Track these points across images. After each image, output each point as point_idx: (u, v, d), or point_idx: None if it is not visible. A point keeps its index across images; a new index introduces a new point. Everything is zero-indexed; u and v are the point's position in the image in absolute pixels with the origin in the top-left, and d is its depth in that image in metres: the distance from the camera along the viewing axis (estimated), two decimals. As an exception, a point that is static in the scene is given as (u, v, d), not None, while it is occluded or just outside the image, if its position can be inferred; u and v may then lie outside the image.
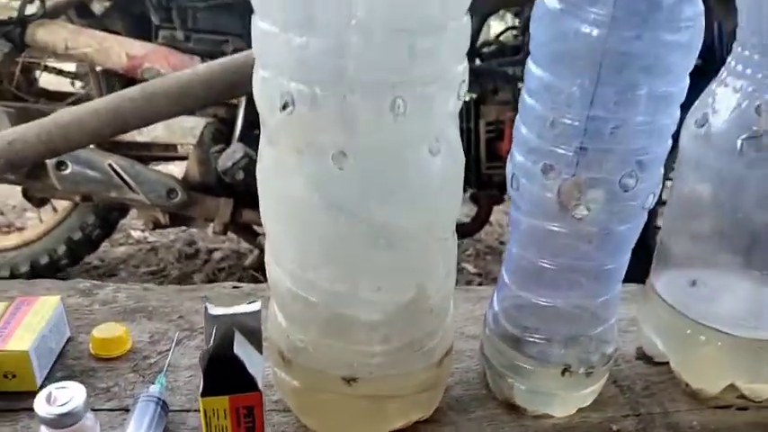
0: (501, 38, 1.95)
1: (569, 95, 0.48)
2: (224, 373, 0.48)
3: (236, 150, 1.39)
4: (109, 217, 1.78)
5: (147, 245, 2.08)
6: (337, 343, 0.51)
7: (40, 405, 0.48)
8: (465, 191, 1.54)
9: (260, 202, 0.50)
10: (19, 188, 1.66)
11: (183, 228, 2.07)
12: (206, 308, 0.51)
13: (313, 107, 0.43)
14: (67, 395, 0.49)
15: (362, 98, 0.42)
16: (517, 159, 0.54)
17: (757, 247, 0.60)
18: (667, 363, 0.66)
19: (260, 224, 0.52)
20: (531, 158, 0.52)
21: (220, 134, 1.50)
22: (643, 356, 0.69)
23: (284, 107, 0.43)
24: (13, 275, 1.70)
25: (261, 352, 0.53)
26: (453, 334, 0.58)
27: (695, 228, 0.61)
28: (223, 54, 1.45)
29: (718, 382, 0.63)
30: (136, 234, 2.13)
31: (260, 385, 0.49)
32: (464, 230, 1.63)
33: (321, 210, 0.46)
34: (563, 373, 0.57)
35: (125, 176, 1.47)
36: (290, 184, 0.46)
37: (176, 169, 1.71)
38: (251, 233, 1.62)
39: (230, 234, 1.82)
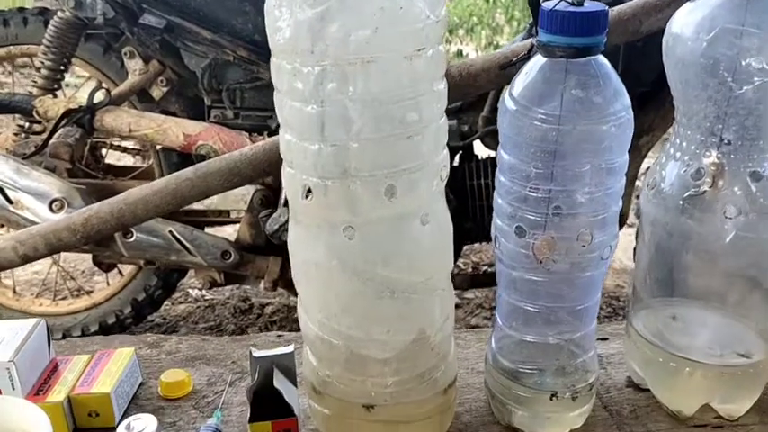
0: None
1: (532, 174, 0.61)
2: (267, 403, 0.61)
3: (281, 214, 1.53)
4: (170, 278, 1.93)
5: (205, 302, 2.24)
6: (357, 377, 0.64)
7: (122, 433, 0.62)
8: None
9: (291, 268, 0.63)
10: (88, 255, 1.83)
11: (238, 285, 2.23)
12: (250, 351, 0.65)
13: (326, 195, 0.56)
14: (142, 424, 0.62)
15: (363, 187, 0.55)
16: (497, 224, 0.66)
17: (713, 286, 0.70)
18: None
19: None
20: (507, 223, 0.64)
21: (268, 200, 1.64)
22: (631, 384, 0.79)
23: (306, 196, 0.57)
24: (84, 335, 1.86)
25: (296, 386, 0.65)
26: (456, 367, 0.70)
27: (660, 272, 0.72)
28: (268, 128, 1.61)
29: (692, 404, 0.73)
30: (194, 293, 2.29)
31: (296, 412, 0.61)
32: (490, 280, 1.74)
33: (338, 272, 0.59)
34: (551, 398, 0.68)
35: (184, 241, 1.62)
36: (313, 252, 0.60)
37: (229, 231, 1.87)
38: (298, 288, 1.75)
39: (280, 289, 1.96)
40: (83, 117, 1.66)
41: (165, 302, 2.04)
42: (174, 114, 1.70)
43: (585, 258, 0.63)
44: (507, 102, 0.60)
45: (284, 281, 1.69)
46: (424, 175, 0.57)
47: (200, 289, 2.27)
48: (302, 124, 0.55)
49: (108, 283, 2.02)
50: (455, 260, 2.10)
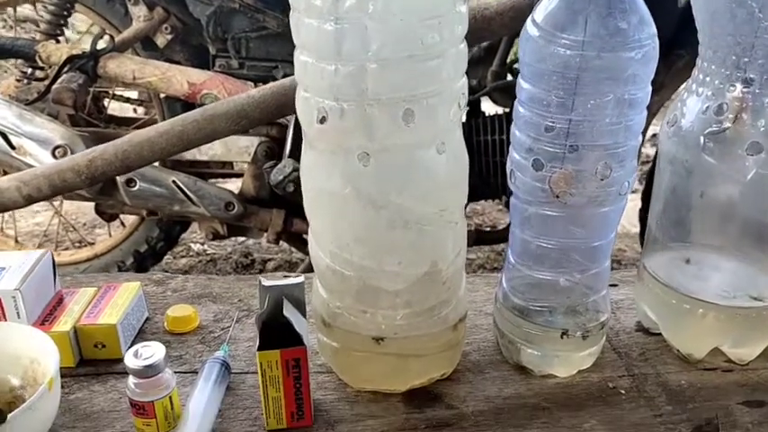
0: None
1: (553, 104, 0.59)
2: (275, 333, 0.60)
3: (286, 165, 1.52)
4: (172, 231, 1.92)
5: (206, 257, 2.23)
6: (368, 308, 0.63)
7: (129, 359, 0.61)
8: (500, 198, 1.64)
9: (303, 196, 0.62)
10: (89, 207, 1.83)
11: (240, 240, 2.23)
12: (260, 281, 0.64)
13: (342, 119, 0.55)
14: (150, 351, 0.61)
15: (380, 110, 0.54)
16: (514, 157, 0.65)
17: (730, 229, 0.69)
18: (662, 333, 0.76)
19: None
20: (524, 156, 0.63)
21: (272, 151, 1.63)
22: (641, 329, 0.79)
23: (321, 120, 0.56)
24: (86, 286, 1.86)
25: (305, 316, 0.65)
26: (467, 304, 0.69)
27: (676, 214, 0.71)
28: (274, 79, 1.59)
29: (703, 346, 0.72)
30: (196, 247, 2.29)
31: (305, 341, 0.61)
32: (499, 236, 1.73)
33: (352, 200, 0.58)
34: (562, 336, 0.68)
35: (187, 191, 1.61)
36: (327, 180, 0.58)
37: (233, 186, 1.86)
38: (301, 242, 1.75)
39: (283, 246, 1.95)
40: (86, 63, 1.63)
41: (167, 256, 2.04)
42: (178, 63, 1.68)
43: (603, 193, 0.62)
44: (530, 28, 0.59)
45: (287, 234, 1.68)
46: (442, 101, 0.56)
47: (203, 243, 2.27)
48: (319, 43, 0.53)
49: (110, 235, 2.01)
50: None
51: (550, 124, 0.60)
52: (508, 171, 0.66)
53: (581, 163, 0.61)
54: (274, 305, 0.63)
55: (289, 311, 0.62)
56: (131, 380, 0.62)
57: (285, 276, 0.88)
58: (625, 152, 0.61)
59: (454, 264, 0.64)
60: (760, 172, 0.62)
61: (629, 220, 2.63)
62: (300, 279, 0.65)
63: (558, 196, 0.62)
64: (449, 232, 0.63)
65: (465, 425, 0.65)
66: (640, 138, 0.62)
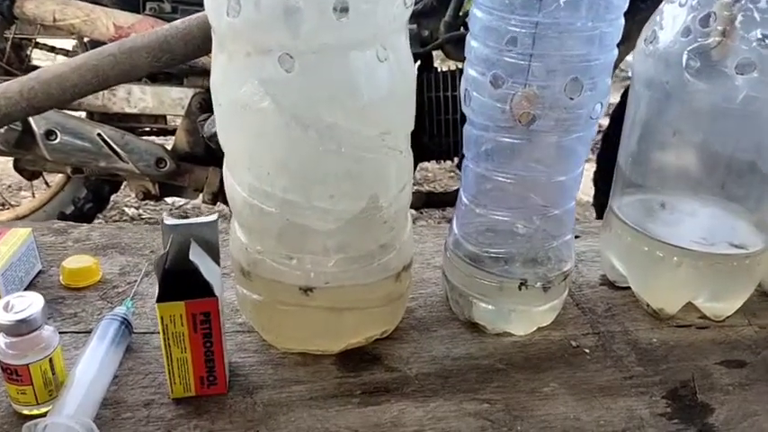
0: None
1: (517, 3, 0.49)
2: (180, 281, 0.49)
3: (221, 116, 1.40)
4: (101, 191, 1.79)
5: (141, 221, 2.09)
6: (293, 253, 0.53)
7: (-1, 312, 0.49)
8: (452, 160, 1.55)
9: (215, 115, 0.51)
10: (13, 170, 1.67)
11: (178, 204, 2.09)
12: (162, 219, 0.53)
13: (258, 9, 0.44)
14: (25, 303, 0.50)
15: (305, -2, 0.43)
16: (469, 74, 0.55)
17: (712, 167, 0.61)
18: (629, 287, 0.67)
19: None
20: (481, 70, 0.53)
21: (207, 104, 1.50)
22: (606, 282, 0.70)
23: (232, 12, 0.44)
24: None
25: (218, 263, 0.54)
26: (412, 250, 0.60)
27: (651, 150, 0.62)
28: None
29: (676, 300, 0.64)
30: (130, 211, 2.15)
31: (217, 292, 0.50)
32: (450, 198, 1.64)
33: (271, 116, 0.47)
34: (520, 287, 0.59)
35: (114, 145, 1.48)
36: (241, 91, 0.47)
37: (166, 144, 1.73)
38: (240, 203, 1.63)
39: (223, 208, 1.83)
40: (1, 3, 1.49)
41: (99, 219, 1.90)
42: (104, 6, 1.53)
43: (571, 116, 0.52)
44: None
45: (225, 194, 1.56)
46: (382, -8, 0.45)
47: (137, 207, 2.12)
48: None
49: (34, 196, 1.86)
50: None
51: (513, 29, 0.50)
52: (462, 93, 0.56)
53: (549, 79, 0.51)
54: (180, 249, 0.52)
55: (196, 256, 0.51)
56: (1, 338, 0.50)
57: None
58: (597, 67, 0.52)
59: (397, 200, 0.54)
60: (751, 95, 0.54)
61: (582, 189, 2.58)
62: (213, 217, 0.54)
63: (520, 120, 0.53)
64: (391, 162, 0.52)
65: (407, 390, 0.55)
66: (615, 52, 0.53)
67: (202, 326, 0.51)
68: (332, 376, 0.56)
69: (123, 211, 2.14)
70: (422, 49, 1.50)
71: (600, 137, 1.69)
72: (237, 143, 0.51)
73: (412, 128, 0.55)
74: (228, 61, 0.48)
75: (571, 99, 0.51)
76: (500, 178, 0.56)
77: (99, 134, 1.48)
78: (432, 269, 0.71)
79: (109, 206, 2.19)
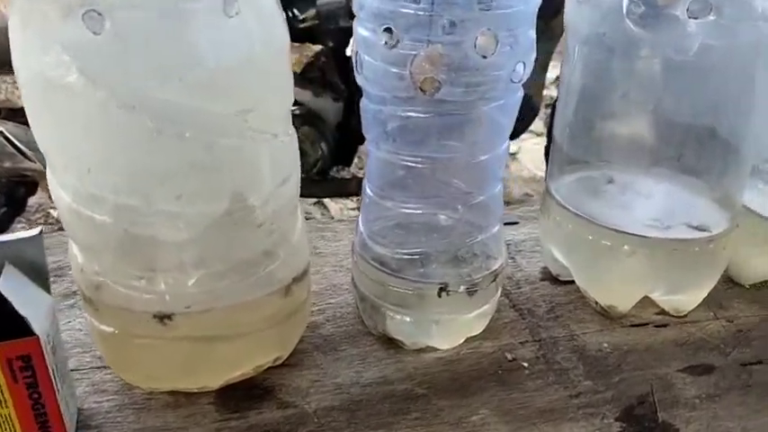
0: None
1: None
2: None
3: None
4: (14, 193, 1.64)
5: (67, 223, 1.95)
6: (141, 272, 0.41)
7: None
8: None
9: (23, 100, 0.39)
10: None
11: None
12: (-38, 237, 0.40)
13: (39, -53, 0.32)
14: None
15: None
16: (359, 34, 0.43)
17: (665, 136, 0.51)
18: (574, 281, 0.57)
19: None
20: (373, 26, 0.42)
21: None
22: (548, 277, 0.60)
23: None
24: None
25: (48, 288, 0.42)
26: (307, 255, 0.48)
27: (592, 118, 0.52)
28: None
29: (630, 295, 0.54)
30: (56, 213, 2.00)
31: (38, 330, 0.38)
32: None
33: (84, 92, 0.35)
34: (440, 293, 0.48)
35: (18, 144, 1.34)
36: (43, 61, 0.35)
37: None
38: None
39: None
40: None
41: (20, 223, 1.75)
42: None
43: (487, 79, 0.41)
44: None
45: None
46: None
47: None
48: None
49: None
50: (348, 164, 1.90)
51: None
52: (353, 59, 0.45)
53: (454, 33, 0.40)
54: (-10, 275, 0.40)
55: (10, 282, 0.39)
56: None
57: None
58: (516, 16, 0.41)
59: (276, 197, 0.43)
60: (707, 43, 0.43)
61: (535, 164, 2.49)
62: (34, 232, 0.42)
63: (422, 89, 0.41)
64: (261, 149, 0.41)
65: (304, 431, 0.44)
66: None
67: (23, 373, 0.39)
68: (209, 420, 0.45)
69: (48, 213, 1.99)
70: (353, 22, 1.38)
71: (551, 109, 1.60)
72: (48, 132, 0.39)
73: (291, 104, 0.43)
74: (23, 22, 0.36)
75: (484, 58, 0.40)
76: (408, 163, 0.45)
77: (0, 132, 1.34)
78: (345, 272, 0.60)
79: (33, 208, 2.04)
